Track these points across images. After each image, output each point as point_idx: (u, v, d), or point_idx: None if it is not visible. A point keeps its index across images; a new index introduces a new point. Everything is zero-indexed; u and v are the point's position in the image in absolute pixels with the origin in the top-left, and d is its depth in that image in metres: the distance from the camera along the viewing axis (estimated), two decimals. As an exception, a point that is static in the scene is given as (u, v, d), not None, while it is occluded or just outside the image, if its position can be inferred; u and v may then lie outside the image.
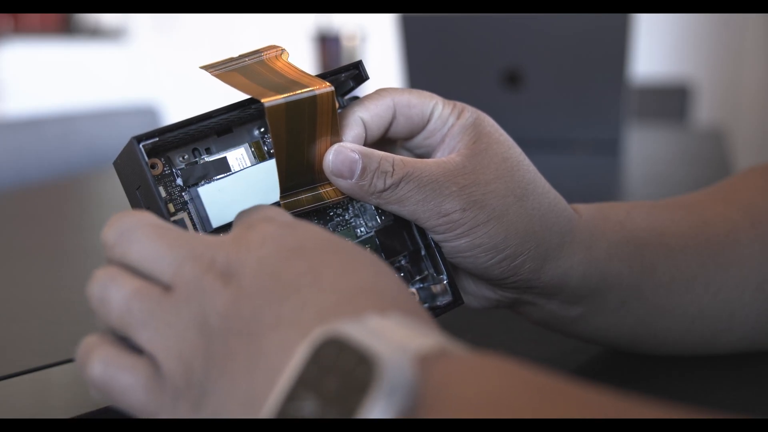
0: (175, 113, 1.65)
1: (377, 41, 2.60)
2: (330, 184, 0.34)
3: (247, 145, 0.35)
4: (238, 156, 0.34)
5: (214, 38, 3.44)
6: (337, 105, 0.34)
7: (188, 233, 0.27)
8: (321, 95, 0.32)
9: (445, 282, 0.36)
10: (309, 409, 0.20)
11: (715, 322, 0.37)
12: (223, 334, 0.24)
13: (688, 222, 0.38)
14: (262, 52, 0.35)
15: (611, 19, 1.08)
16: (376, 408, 0.19)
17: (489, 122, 0.36)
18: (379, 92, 0.35)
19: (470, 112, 0.35)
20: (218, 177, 0.34)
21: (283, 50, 0.35)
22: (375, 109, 0.35)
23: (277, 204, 0.34)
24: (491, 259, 0.34)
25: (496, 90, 1.16)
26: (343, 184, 0.33)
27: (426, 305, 0.36)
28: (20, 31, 3.05)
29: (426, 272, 0.36)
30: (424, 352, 0.21)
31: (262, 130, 0.35)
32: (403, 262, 0.36)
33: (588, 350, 0.41)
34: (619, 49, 1.08)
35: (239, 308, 0.24)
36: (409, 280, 0.36)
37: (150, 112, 1.42)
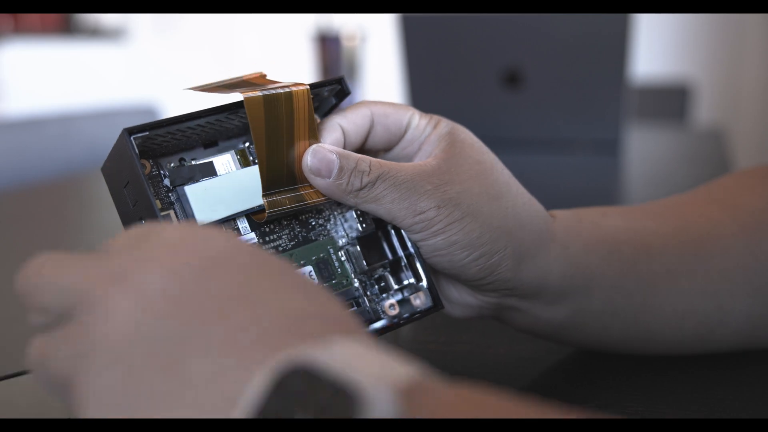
0: (174, 113, 1.65)
1: (377, 41, 2.60)
2: (311, 186, 0.35)
3: (233, 151, 0.36)
4: (224, 161, 0.35)
5: (214, 39, 3.44)
6: (314, 111, 0.35)
7: (89, 255, 0.24)
8: (297, 92, 0.34)
9: (425, 287, 0.36)
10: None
11: (706, 317, 0.37)
12: (126, 361, 0.21)
13: (666, 221, 0.38)
14: (242, 76, 0.37)
15: (611, 19, 1.07)
16: None
17: (464, 131, 0.37)
18: (358, 103, 0.37)
19: (446, 123, 0.37)
20: (204, 179, 0.35)
21: (263, 74, 0.37)
22: (353, 116, 0.36)
23: (260, 207, 0.35)
24: (467, 257, 0.34)
25: (496, 90, 1.16)
26: (321, 183, 0.34)
27: (405, 314, 0.36)
28: (20, 31, 3.05)
29: (406, 281, 0.37)
30: (403, 383, 0.19)
31: (247, 144, 0.37)
32: (382, 272, 0.37)
33: (589, 350, 0.41)
34: (619, 49, 1.08)
35: (147, 329, 0.21)
36: (389, 289, 0.37)
37: (150, 112, 1.41)
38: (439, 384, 0.20)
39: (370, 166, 0.34)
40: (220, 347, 0.21)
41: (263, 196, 0.34)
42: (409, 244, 0.36)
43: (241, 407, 0.19)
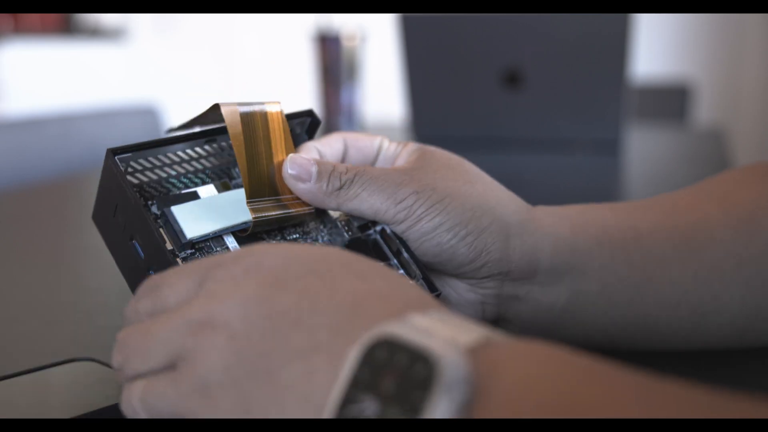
0: (175, 113, 1.65)
1: (377, 41, 2.60)
2: (294, 197, 0.37)
3: (216, 183, 0.38)
4: (207, 190, 0.38)
5: (214, 39, 3.44)
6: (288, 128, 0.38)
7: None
8: (270, 108, 0.37)
9: (420, 280, 0.37)
10: (370, 410, 0.21)
11: (700, 305, 0.37)
12: (233, 385, 0.24)
13: (654, 211, 0.39)
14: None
15: (611, 19, 1.07)
16: (440, 403, 0.20)
17: (432, 146, 0.40)
18: (331, 135, 0.40)
19: (414, 143, 0.40)
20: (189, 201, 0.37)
21: None
22: (327, 140, 0.40)
23: (245, 223, 0.36)
24: (454, 237, 0.36)
25: (496, 90, 1.16)
26: (302, 187, 0.37)
27: None
28: (20, 31, 3.05)
29: None
30: (472, 344, 0.22)
31: (230, 179, 0.39)
32: None
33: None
34: (619, 49, 1.08)
35: (240, 354, 0.25)
36: None
37: (150, 112, 1.42)
38: (504, 340, 0.23)
39: (346, 168, 0.37)
40: (303, 351, 0.24)
41: (248, 203, 0.36)
42: (397, 242, 0.37)
43: (338, 384, 0.22)
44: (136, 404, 0.27)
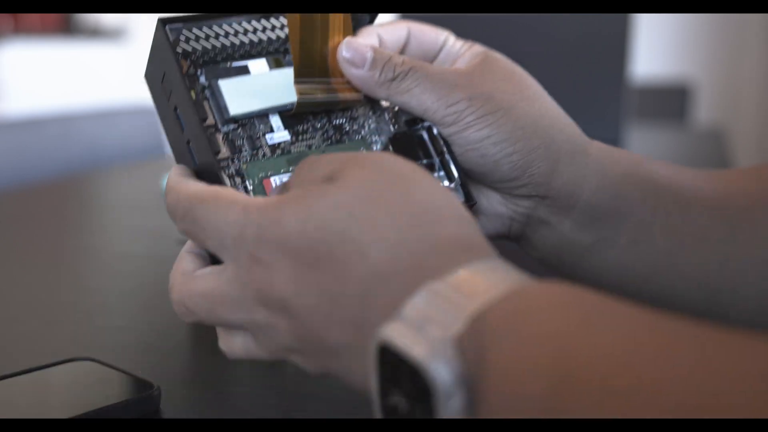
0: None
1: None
2: (344, 82, 0.36)
3: (268, 57, 0.37)
4: (258, 65, 0.36)
5: (214, 38, 3.44)
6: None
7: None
8: None
9: (457, 186, 0.36)
10: (401, 405, 0.22)
11: (718, 294, 0.36)
12: (309, 352, 0.26)
13: (703, 180, 0.37)
14: None
15: (611, 19, 1.07)
16: (447, 408, 0.20)
17: (498, 53, 0.38)
18: (396, 20, 0.38)
19: (480, 45, 0.38)
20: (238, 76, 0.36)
21: None
22: (391, 26, 0.38)
23: (292, 104, 0.35)
24: (500, 152, 0.35)
25: (496, 90, 1.16)
26: (355, 72, 0.35)
27: None
28: (20, 31, 3.06)
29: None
30: (467, 326, 0.21)
31: (284, 56, 0.37)
32: None
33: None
34: (619, 49, 1.08)
35: (303, 338, 0.26)
36: None
37: (150, 113, 1.41)
38: (507, 302, 0.21)
39: (403, 60, 0.35)
40: (338, 349, 0.25)
41: (295, 82, 0.35)
42: (441, 144, 0.36)
43: (372, 380, 0.23)
44: (239, 354, 0.29)
